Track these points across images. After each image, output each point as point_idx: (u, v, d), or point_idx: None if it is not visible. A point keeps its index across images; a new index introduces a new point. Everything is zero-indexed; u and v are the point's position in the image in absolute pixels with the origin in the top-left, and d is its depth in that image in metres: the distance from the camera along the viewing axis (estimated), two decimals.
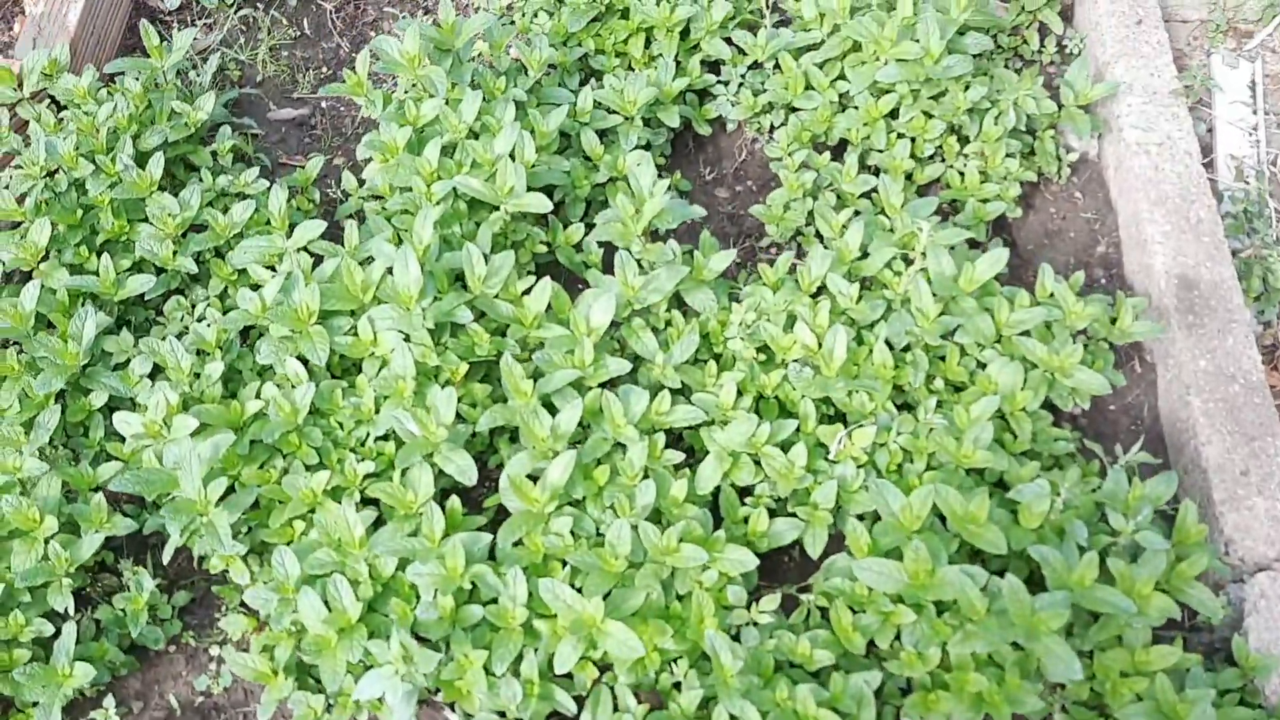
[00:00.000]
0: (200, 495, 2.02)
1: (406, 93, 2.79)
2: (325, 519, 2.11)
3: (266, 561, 2.18)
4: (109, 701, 2.06)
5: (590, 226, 2.64)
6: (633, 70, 2.98)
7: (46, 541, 2.03)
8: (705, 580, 2.01)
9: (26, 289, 2.32)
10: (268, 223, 2.58)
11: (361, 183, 2.78)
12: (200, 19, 3.25)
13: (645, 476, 2.11)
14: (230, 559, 2.13)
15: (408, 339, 2.26)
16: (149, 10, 3.30)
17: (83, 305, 2.40)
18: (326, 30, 3.32)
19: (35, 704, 1.99)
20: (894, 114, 2.80)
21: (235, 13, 3.23)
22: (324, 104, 3.17)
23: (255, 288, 2.42)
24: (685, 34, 2.99)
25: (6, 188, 2.54)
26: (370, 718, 2.07)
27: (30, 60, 2.69)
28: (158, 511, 2.22)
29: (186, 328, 2.46)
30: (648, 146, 2.82)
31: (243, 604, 2.21)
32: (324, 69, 3.23)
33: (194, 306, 2.50)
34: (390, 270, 2.30)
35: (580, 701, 1.97)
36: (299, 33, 3.28)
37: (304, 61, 3.24)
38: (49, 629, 2.01)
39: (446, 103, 2.61)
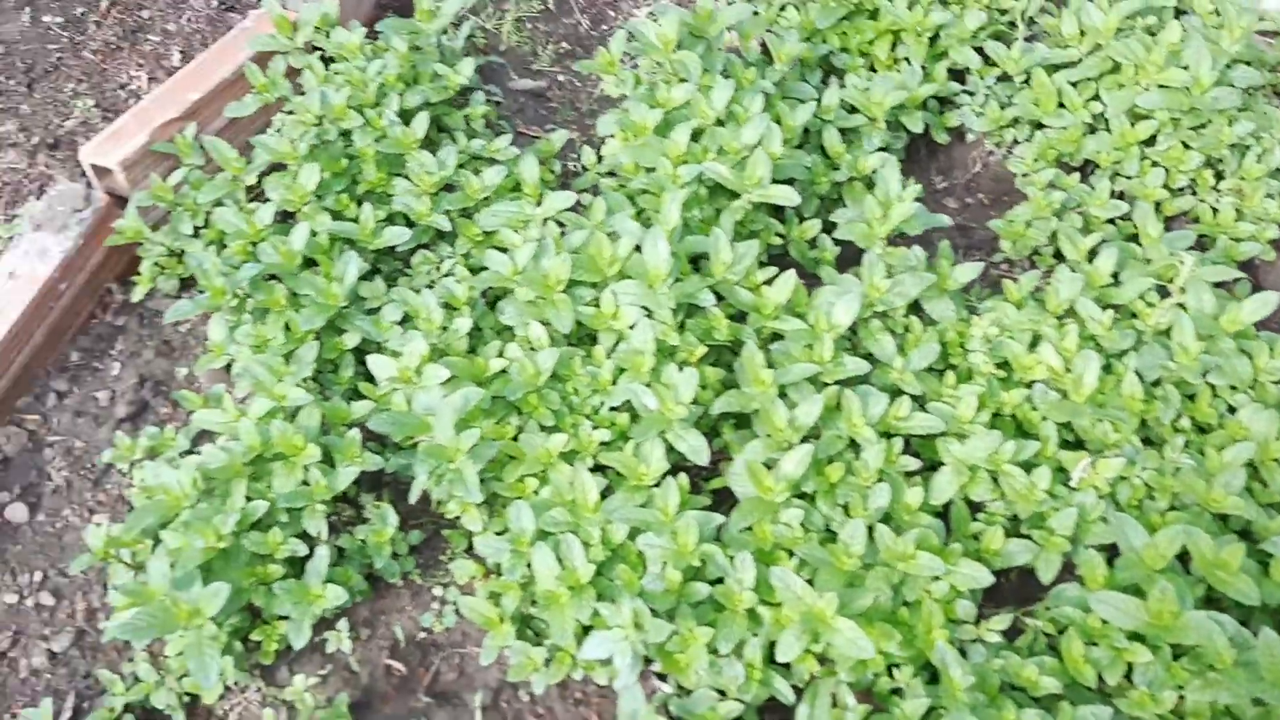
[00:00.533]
0: (452, 443, 2.11)
1: (651, 75, 2.84)
2: (559, 480, 2.18)
3: (496, 512, 2.26)
4: (343, 624, 2.18)
5: (826, 224, 2.65)
6: (874, 71, 2.97)
7: (307, 468, 2.16)
8: (934, 591, 2.00)
9: (296, 230, 2.46)
10: (513, 189, 2.67)
11: (600, 158, 2.85)
12: None
13: (879, 479, 2.11)
14: (467, 506, 2.22)
15: (650, 315, 2.31)
16: None
17: (341, 251, 2.54)
18: (567, 6, 3.40)
19: (284, 618, 2.12)
20: (1149, 141, 2.71)
21: None
22: (561, 77, 3.26)
23: (502, 250, 2.50)
24: (933, 39, 2.96)
25: (279, 131, 2.69)
26: (584, 677, 2.14)
27: (306, 12, 2.84)
28: (398, 452, 2.34)
29: (432, 282, 2.57)
30: (886, 149, 2.81)
31: (469, 550, 2.30)
32: (564, 44, 3.32)
33: (440, 262, 2.60)
34: (638, 248, 2.36)
35: (797, 693, 1.99)
36: (543, 7, 3.37)
37: (545, 35, 3.32)
38: (302, 549, 2.13)
39: (698, 89, 2.65)
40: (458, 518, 2.27)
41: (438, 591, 2.30)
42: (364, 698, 2.17)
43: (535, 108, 3.18)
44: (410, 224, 2.63)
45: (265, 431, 2.18)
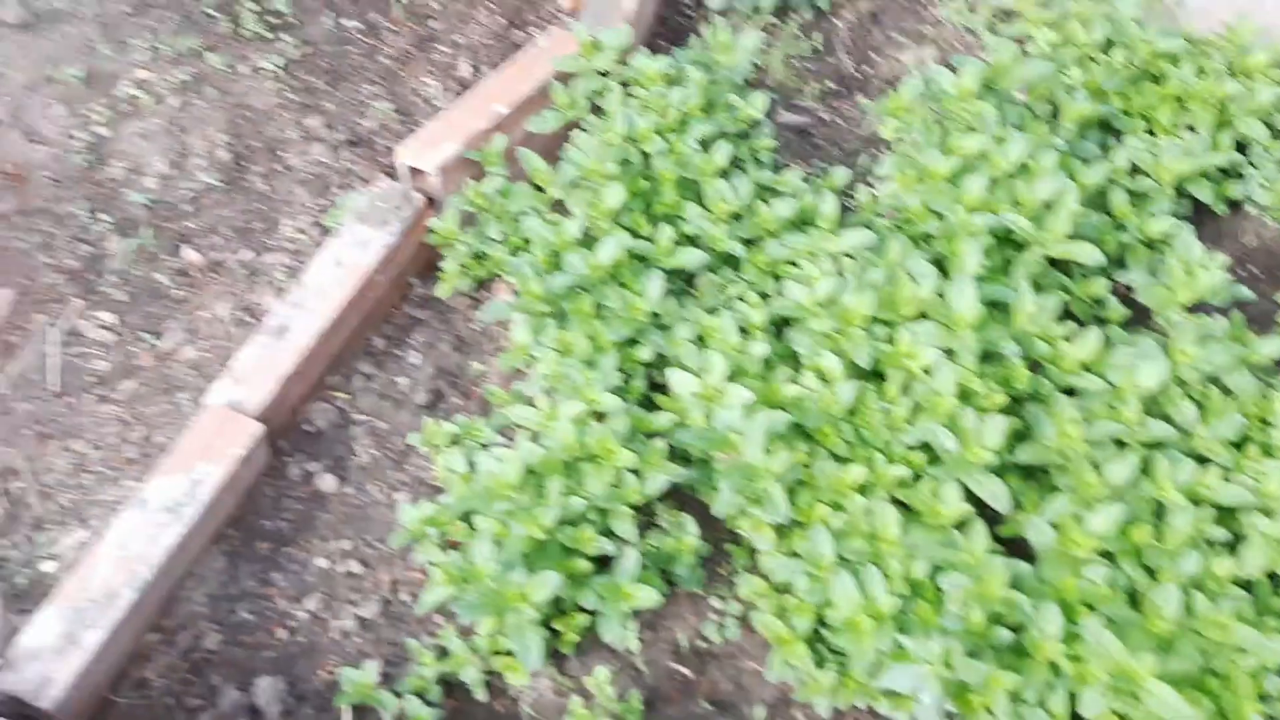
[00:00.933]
0: (762, 463, 2.20)
1: (939, 123, 2.91)
2: (855, 510, 2.25)
3: (784, 533, 2.34)
4: (632, 625, 2.28)
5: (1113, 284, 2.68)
6: (1153, 135, 2.98)
7: (620, 471, 2.27)
8: (1242, 663, 2.01)
9: (605, 245, 2.58)
10: (798, 222, 2.76)
11: (875, 197, 2.92)
12: (724, 18, 3.49)
13: (1188, 546, 2.13)
14: (760, 524, 2.30)
15: (950, 358, 2.36)
16: (675, 3, 3.58)
17: (635, 267, 2.65)
18: (833, 47, 3.49)
19: (585, 611, 2.24)
20: None
21: (757, 15, 3.45)
22: (824, 115, 3.35)
23: (792, 280, 2.59)
24: (1219, 108, 2.96)
25: (579, 149, 2.83)
26: (866, 706, 2.20)
27: (609, 38, 2.98)
28: (686, 464, 2.43)
29: (717, 304, 2.67)
30: (1173, 215, 2.82)
31: (751, 566, 2.39)
32: (828, 82, 3.41)
33: (725, 285, 2.70)
34: (941, 293, 2.42)
35: None
36: (811, 47, 3.46)
37: (811, 73, 3.42)
38: (610, 548, 2.24)
39: (993, 140, 2.70)
40: (743, 534, 2.36)
41: (716, 603, 2.39)
42: (649, 697, 2.27)
43: (800, 143, 3.27)
44: (696, 245, 2.74)
45: (582, 433, 2.30)
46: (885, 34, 3.52)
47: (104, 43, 3.25)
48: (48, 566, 2.35)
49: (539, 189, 2.80)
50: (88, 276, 2.79)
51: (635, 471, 2.32)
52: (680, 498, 2.48)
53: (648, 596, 2.18)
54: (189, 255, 2.86)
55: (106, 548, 2.22)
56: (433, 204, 2.84)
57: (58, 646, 2.09)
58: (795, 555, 2.30)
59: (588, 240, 2.68)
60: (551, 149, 2.93)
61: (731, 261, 2.76)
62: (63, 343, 2.68)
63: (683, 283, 2.78)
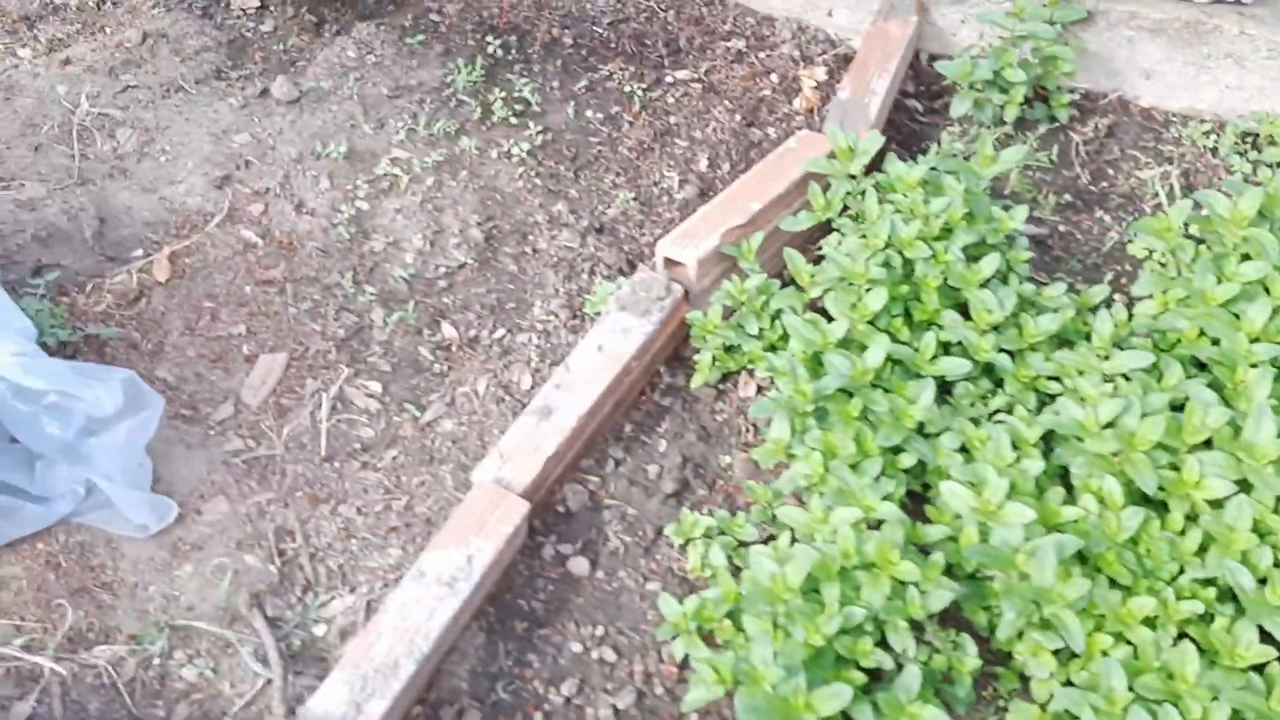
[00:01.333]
0: (1055, 587, 2.15)
1: (1202, 246, 2.86)
2: (1143, 644, 2.17)
3: (1061, 661, 2.27)
4: None
5: None
6: None
7: (902, 584, 2.23)
8: None
9: (872, 349, 2.58)
10: (1059, 336, 2.72)
11: (1130, 315, 2.87)
12: (959, 126, 3.52)
13: None
14: (1041, 650, 2.23)
15: (1243, 491, 2.29)
16: (907, 109, 3.63)
17: (894, 373, 2.65)
18: (1069, 161, 3.48)
19: None
20: None
21: (999, 126, 3.47)
22: (1061, 227, 3.32)
23: (1067, 397, 2.55)
24: None
25: (841, 251, 2.85)
26: None
27: (865, 143, 3.03)
28: (954, 580, 2.38)
29: (980, 416, 2.64)
30: None
31: (1022, 691, 2.31)
32: (1065, 195, 3.39)
33: (984, 397, 2.67)
34: (1231, 423, 2.35)
35: None
36: (1046, 158, 3.46)
37: (1047, 185, 3.41)
38: (887, 662, 2.20)
39: (1273, 268, 2.64)
40: (1018, 657, 2.29)
41: None
42: None
43: (1038, 255, 3.24)
44: (951, 354, 2.72)
45: (860, 540, 2.28)
46: (1122, 150, 3.50)
47: (365, 122, 3.43)
48: (319, 630, 2.40)
49: (798, 287, 2.83)
50: (354, 345, 2.91)
51: (915, 584, 2.28)
52: (942, 613, 2.43)
53: (932, 716, 2.12)
54: (447, 331, 2.96)
55: (388, 617, 2.26)
56: (687, 295, 2.89)
57: (345, 714, 2.12)
58: (1070, 684, 2.22)
59: (845, 341, 2.69)
60: (797, 248, 2.96)
61: (989, 372, 2.73)
62: (330, 408, 2.78)
63: (938, 390, 2.76)
